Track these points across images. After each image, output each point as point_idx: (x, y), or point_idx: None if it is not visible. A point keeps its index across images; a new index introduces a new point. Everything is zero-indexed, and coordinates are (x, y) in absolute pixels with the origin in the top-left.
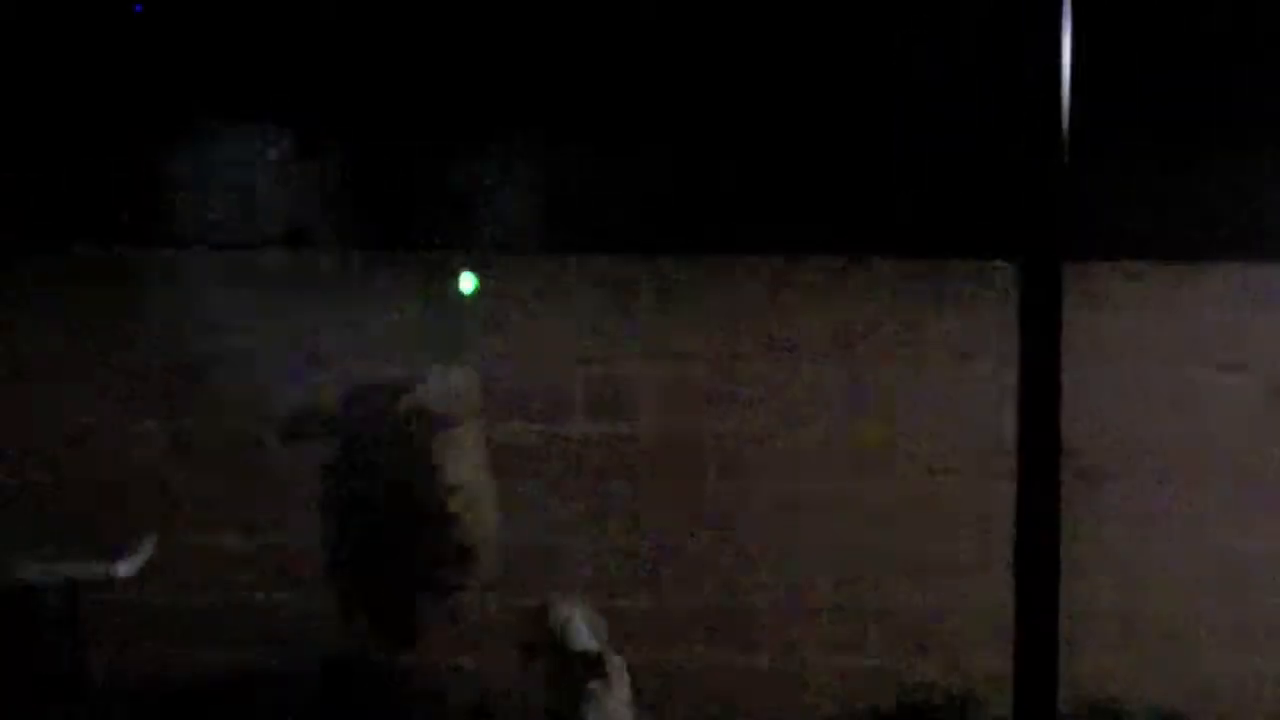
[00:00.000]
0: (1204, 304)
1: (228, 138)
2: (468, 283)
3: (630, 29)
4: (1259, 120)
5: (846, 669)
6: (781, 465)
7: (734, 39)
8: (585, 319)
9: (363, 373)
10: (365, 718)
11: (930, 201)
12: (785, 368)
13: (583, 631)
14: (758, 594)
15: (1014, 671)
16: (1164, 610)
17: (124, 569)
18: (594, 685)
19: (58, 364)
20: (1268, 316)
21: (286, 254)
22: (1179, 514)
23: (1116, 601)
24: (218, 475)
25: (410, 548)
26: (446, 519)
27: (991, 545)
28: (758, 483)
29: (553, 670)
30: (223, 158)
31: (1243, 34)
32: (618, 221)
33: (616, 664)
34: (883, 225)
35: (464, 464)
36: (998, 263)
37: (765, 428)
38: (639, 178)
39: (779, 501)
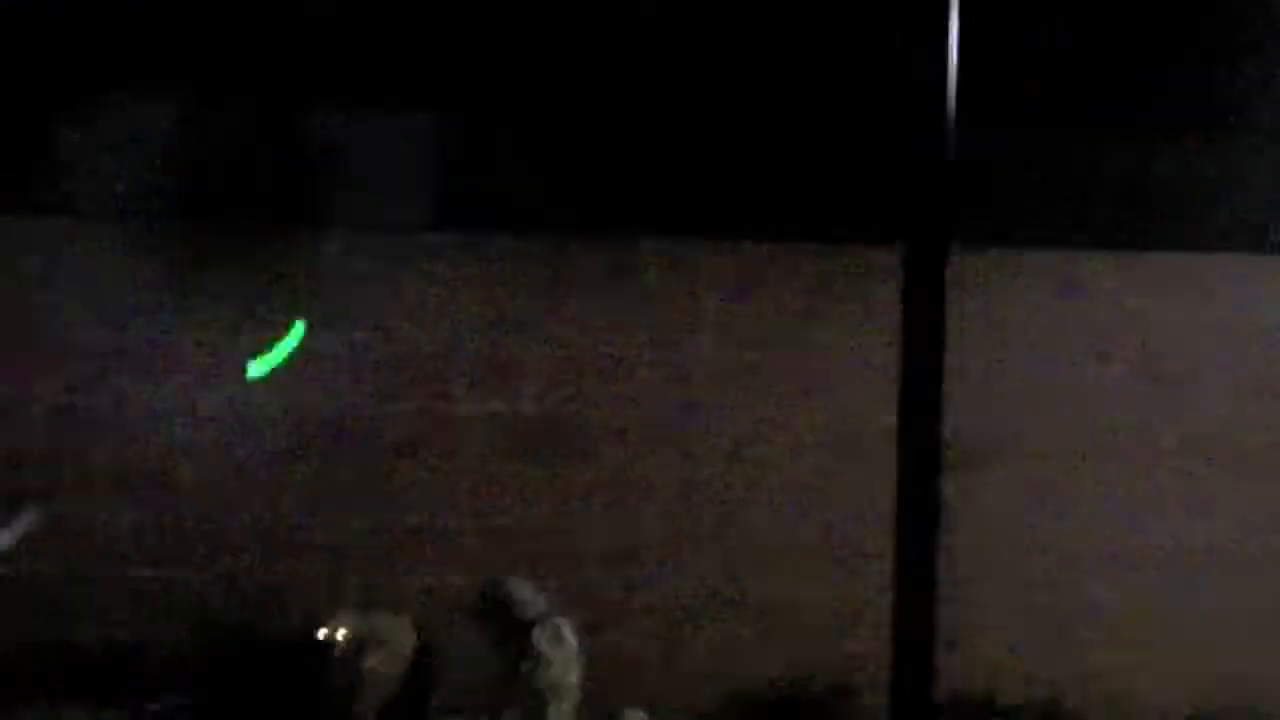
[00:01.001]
0: (1089, 292)
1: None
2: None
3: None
4: (1149, 110)
5: (723, 652)
6: (665, 449)
7: (623, 21)
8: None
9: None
10: (252, 692)
11: (817, 186)
12: (675, 351)
13: (528, 601)
14: (642, 576)
15: (891, 659)
16: (1045, 599)
17: (4, 540)
18: (541, 649)
19: None
20: (1153, 305)
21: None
22: (1061, 503)
23: (997, 590)
24: (103, 447)
25: None
26: None
27: (873, 532)
28: (644, 465)
29: (499, 638)
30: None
31: (1137, 21)
32: (518, 201)
33: (562, 629)
34: (768, 209)
35: None
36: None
37: (652, 412)
38: (536, 156)
39: (657, 483)
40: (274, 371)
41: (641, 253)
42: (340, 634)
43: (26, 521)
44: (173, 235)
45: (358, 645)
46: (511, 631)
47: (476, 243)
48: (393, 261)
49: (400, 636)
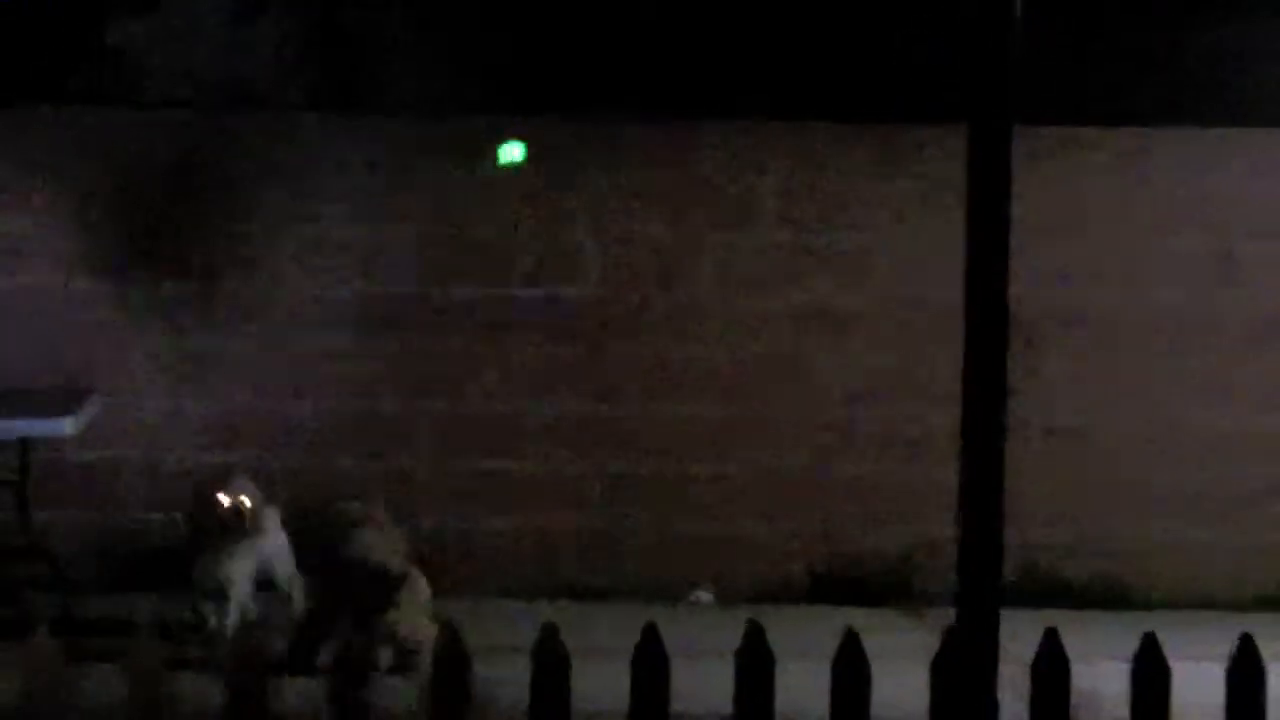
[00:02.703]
0: (1155, 168)
1: None
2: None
3: None
4: None
5: (792, 534)
6: (728, 332)
7: None
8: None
9: None
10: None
11: (880, 64)
12: (734, 233)
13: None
14: (701, 461)
15: (959, 539)
16: (1109, 478)
17: (71, 426)
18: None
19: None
20: (1218, 181)
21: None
22: (1126, 381)
23: (1063, 469)
24: (163, 335)
25: None
26: None
27: (939, 412)
28: (706, 347)
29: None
30: None
31: None
32: (563, 84)
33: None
34: (827, 89)
35: None
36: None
37: (713, 293)
38: (582, 38)
39: (723, 368)
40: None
41: (699, 135)
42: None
43: (90, 409)
44: (225, 126)
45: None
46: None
47: (530, 127)
48: (446, 148)
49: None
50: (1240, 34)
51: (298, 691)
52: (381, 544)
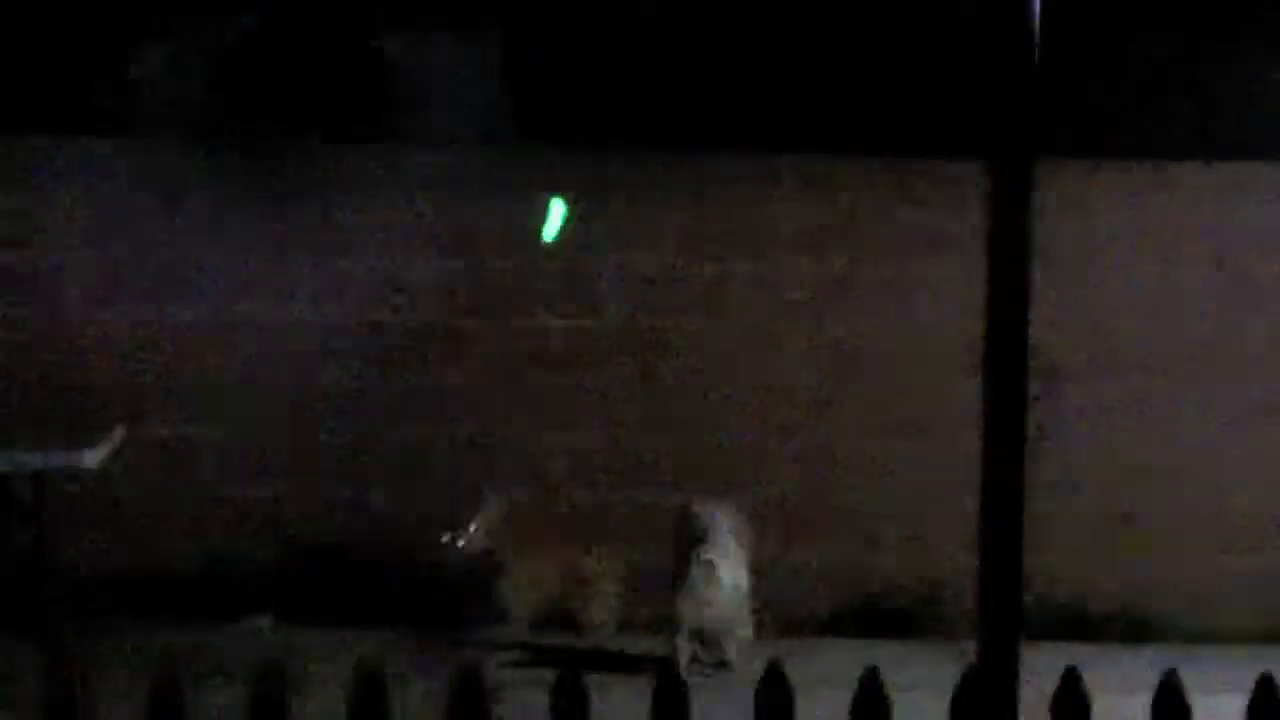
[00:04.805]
0: (1173, 201)
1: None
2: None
3: None
4: (1233, 20)
5: (810, 562)
6: (752, 362)
7: None
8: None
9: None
10: (337, 607)
11: (901, 100)
12: (755, 264)
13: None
14: (728, 489)
15: (979, 570)
16: (1132, 508)
17: (91, 459)
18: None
19: (19, 258)
20: (1236, 213)
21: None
22: (1148, 412)
23: (1085, 499)
24: (188, 365)
25: None
26: None
27: (959, 442)
28: (728, 379)
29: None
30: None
31: None
32: (592, 115)
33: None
34: (852, 125)
35: None
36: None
37: (737, 325)
38: (614, 74)
39: (747, 398)
40: (362, 285)
41: (720, 166)
42: (468, 542)
43: (113, 441)
44: (248, 154)
45: (485, 555)
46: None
47: (552, 159)
48: (471, 179)
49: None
50: (1262, 67)
51: None
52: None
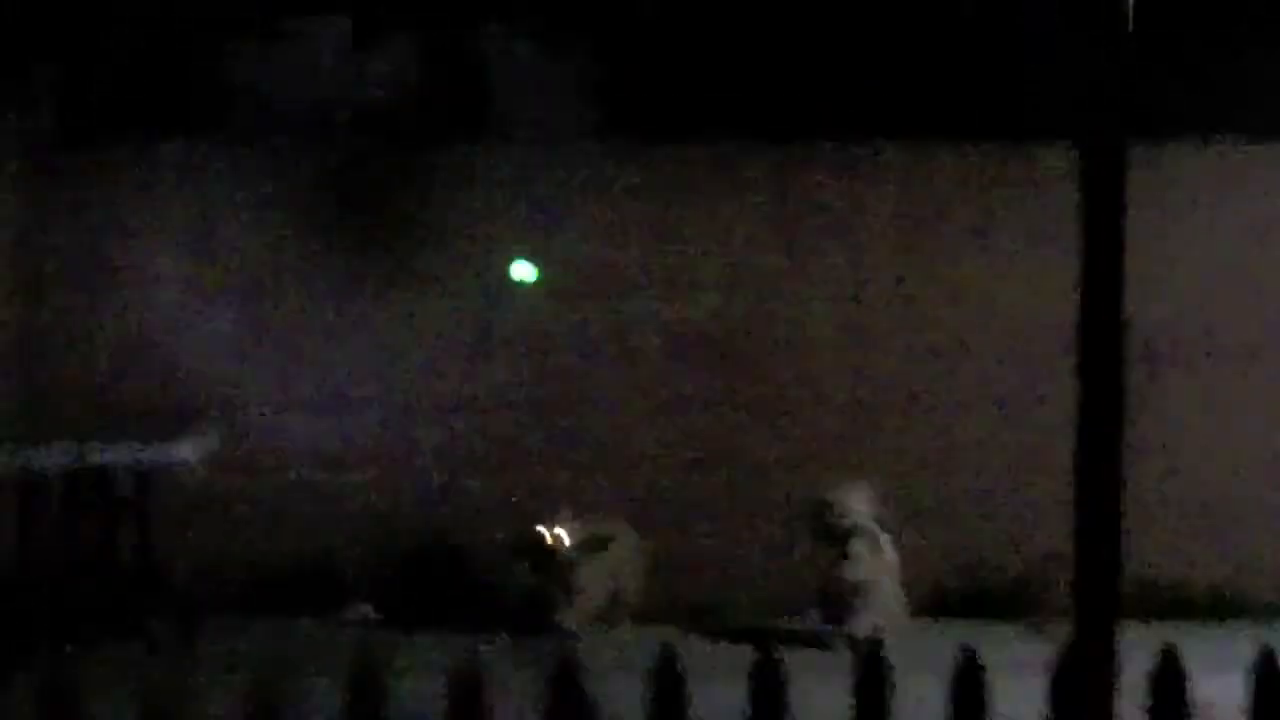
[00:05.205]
0: (1264, 184)
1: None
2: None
3: None
4: None
5: (908, 553)
6: (848, 352)
7: None
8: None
9: None
10: (439, 601)
11: (994, 85)
12: (844, 254)
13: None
14: (823, 477)
15: (1076, 554)
16: (1226, 491)
17: (190, 453)
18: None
19: (122, 258)
20: None
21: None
22: (1248, 394)
23: (1180, 484)
24: (283, 361)
25: None
26: None
27: (1056, 429)
28: (823, 369)
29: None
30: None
31: None
32: (678, 107)
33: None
34: (937, 109)
35: None
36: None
37: (830, 310)
38: (699, 63)
39: (840, 387)
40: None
41: (808, 157)
42: (559, 536)
43: (211, 437)
44: (341, 157)
45: (576, 548)
46: (827, 537)
47: (642, 151)
48: (561, 174)
49: (621, 540)
50: None
51: None
52: None
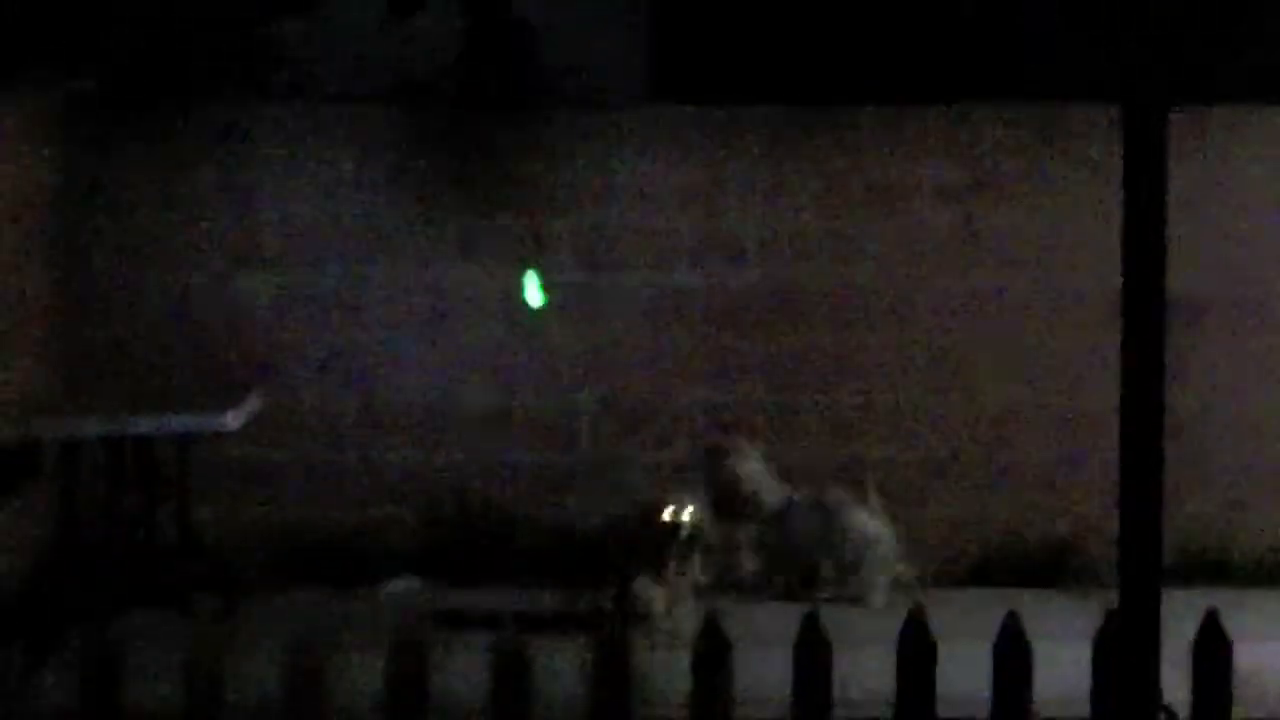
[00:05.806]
0: None
1: None
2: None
3: None
4: None
5: (948, 516)
6: (892, 316)
7: None
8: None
9: None
10: (474, 571)
11: (1036, 46)
12: (893, 217)
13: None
14: (870, 444)
15: (1120, 520)
16: (1269, 458)
17: (233, 421)
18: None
19: (163, 223)
20: None
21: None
22: None
23: (1222, 450)
24: (328, 330)
25: None
26: None
27: (1099, 393)
28: (868, 333)
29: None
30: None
31: None
32: (728, 70)
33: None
34: (985, 70)
35: None
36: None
37: (876, 277)
38: (750, 27)
39: (885, 354)
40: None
41: (857, 119)
42: (686, 513)
43: (252, 404)
44: (399, 120)
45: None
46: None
47: (692, 114)
48: (607, 138)
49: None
50: None
51: None
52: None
